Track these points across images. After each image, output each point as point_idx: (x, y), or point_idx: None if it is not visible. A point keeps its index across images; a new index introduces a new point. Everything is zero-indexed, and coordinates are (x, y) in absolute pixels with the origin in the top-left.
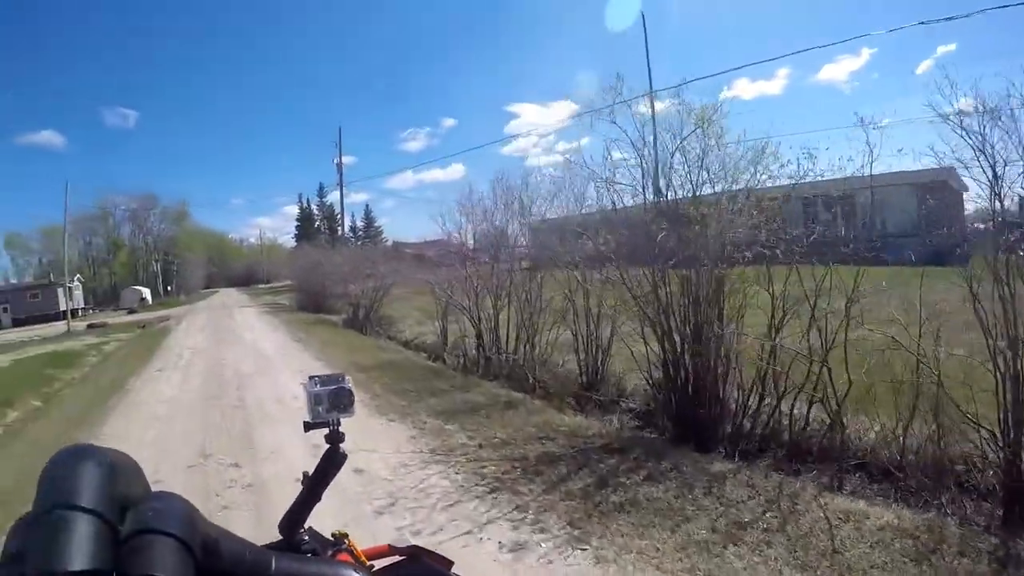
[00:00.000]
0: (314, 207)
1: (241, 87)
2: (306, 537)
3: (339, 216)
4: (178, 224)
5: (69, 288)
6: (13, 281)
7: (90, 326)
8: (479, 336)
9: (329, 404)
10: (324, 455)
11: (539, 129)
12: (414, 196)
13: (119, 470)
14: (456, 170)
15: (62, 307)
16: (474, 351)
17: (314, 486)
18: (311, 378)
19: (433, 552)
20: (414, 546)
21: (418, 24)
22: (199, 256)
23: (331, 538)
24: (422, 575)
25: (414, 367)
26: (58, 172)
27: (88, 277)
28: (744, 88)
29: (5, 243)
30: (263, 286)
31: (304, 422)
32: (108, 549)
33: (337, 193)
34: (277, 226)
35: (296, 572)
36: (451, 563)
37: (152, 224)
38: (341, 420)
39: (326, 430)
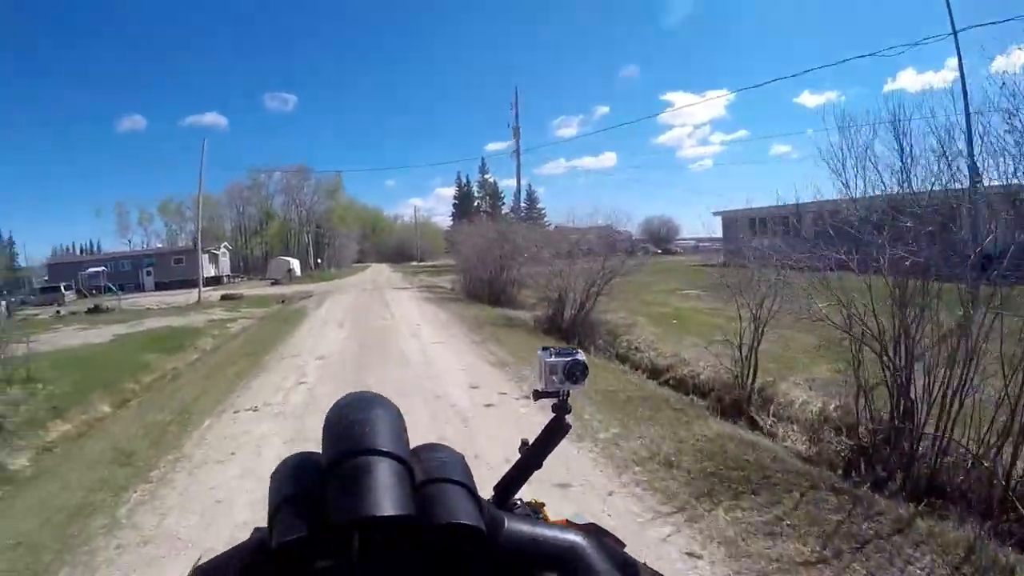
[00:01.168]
0: (474, 185)
1: (396, 73)
2: (518, 502)
3: (501, 195)
4: (331, 197)
5: (215, 254)
6: (158, 245)
7: (224, 297)
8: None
9: (563, 375)
10: (549, 424)
11: (693, 118)
12: (565, 183)
13: (400, 418)
14: (608, 158)
15: (206, 273)
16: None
17: (535, 454)
18: (544, 348)
19: (609, 532)
20: (592, 523)
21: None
22: (352, 230)
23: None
24: (601, 550)
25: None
26: (220, 151)
27: (240, 246)
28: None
29: (160, 209)
30: (416, 263)
31: (534, 390)
32: (410, 495)
33: (499, 172)
34: (430, 207)
35: (526, 532)
36: (624, 544)
37: (305, 196)
38: (570, 392)
39: (555, 400)
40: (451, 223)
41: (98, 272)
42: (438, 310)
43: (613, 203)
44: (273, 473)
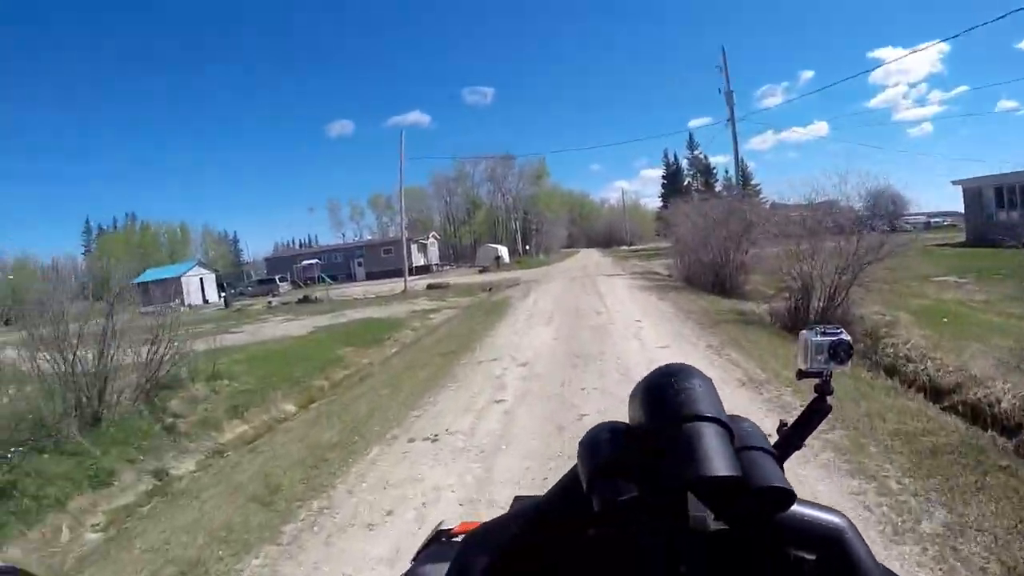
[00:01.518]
0: (683, 162)
1: (591, 56)
2: None
3: (713, 170)
4: (536, 183)
5: (423, 244)
6: (368, 237)
7: (430, 286)
8: None
9: (828, 355)
10: (810, 405)
11: (907, 76)
12: (773, 158)
13: (714, 388)
14: (818, 128)
15: (415, 262)
16: None
17: (794, 436)
18: (810, 328)
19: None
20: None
21: None
22: (558, 215)
23: None
24: (862, 539)
25: None
26: (424, 146)
27: (449, 235)
28: None
29: (370, 203)
30: (626, 248)
31: (798, 370)
32: (735, 458)
33: (707, 148)
34: (636, 190)
35: (798, 510)
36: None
37: (510, 184)
38: (833, 372)
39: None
40: (660, 205)
41: (312, 264)
42: (658, 301)
43: (826, 176)
44: (582, 441)
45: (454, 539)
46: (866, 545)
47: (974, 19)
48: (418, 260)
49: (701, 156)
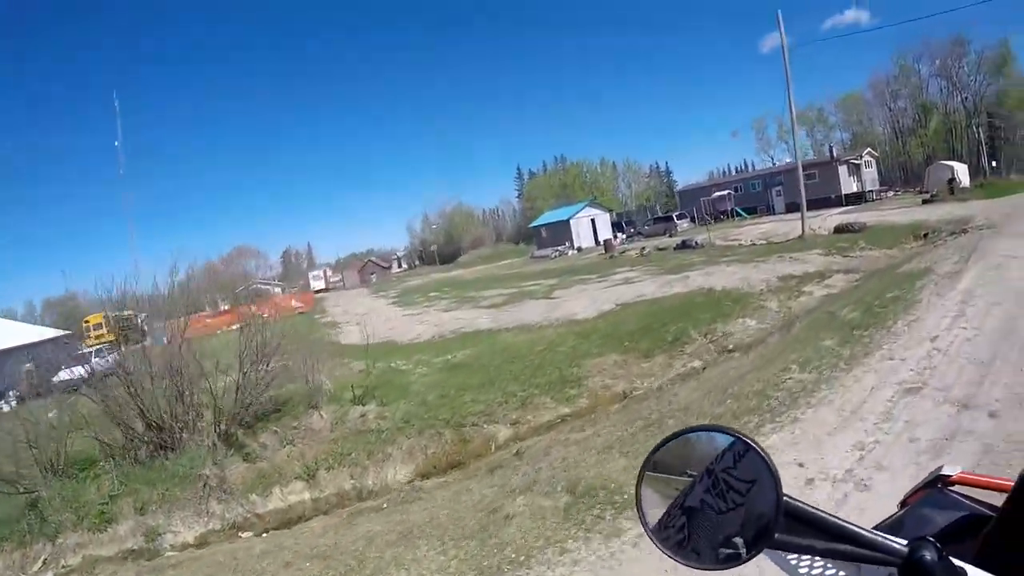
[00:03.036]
0: None
1: None
2: None
3: None
4: (1000, 74)
5: (854, 164)
6: (786, 160)
7: (838, 229)
8: None
9: None
10: None
11: None
12: None
13: None
14: None
15: (843, 189)
16: None
17: None
18: None
19: None
20: None
21: None
22: None
23: None
24: None
25: None
26: (864, 50)
27: (896, 151)
28: None
29: (799, 119)
30: None
31: None
32: None
33: None
34: None
35: None
36: None
37: (967, 78)
38: None
39: None
40: None
41: (723, 196)
42: None
43: None
44: None
45: (951, 488)
46: None
47: None
48: (849, 186)
49: None
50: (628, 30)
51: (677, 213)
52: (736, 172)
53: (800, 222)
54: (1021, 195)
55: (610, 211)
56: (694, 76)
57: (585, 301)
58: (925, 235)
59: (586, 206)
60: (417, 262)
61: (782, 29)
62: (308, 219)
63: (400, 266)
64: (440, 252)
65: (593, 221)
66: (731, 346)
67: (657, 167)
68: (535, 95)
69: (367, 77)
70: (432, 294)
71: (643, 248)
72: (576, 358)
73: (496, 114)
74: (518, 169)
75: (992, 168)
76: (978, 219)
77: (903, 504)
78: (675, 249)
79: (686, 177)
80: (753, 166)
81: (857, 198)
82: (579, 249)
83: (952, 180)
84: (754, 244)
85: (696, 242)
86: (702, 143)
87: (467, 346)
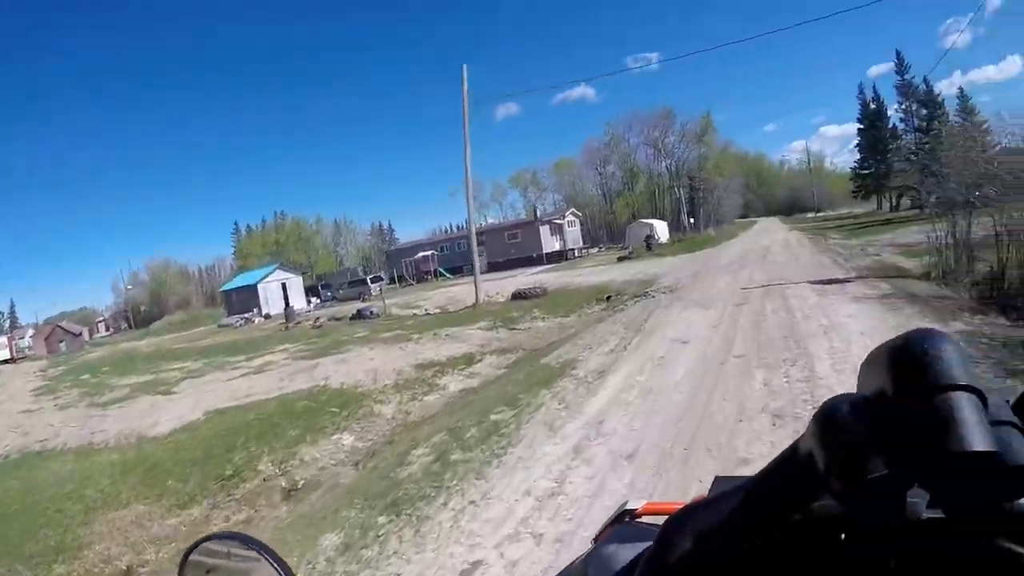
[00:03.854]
0: (890, 105)
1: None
2: None
3: (938, 100)
4: (701, 142)
5: (557, 224)
6: (490, 220)
7: (515, 295)
8: None
9: None
10: None
11: None
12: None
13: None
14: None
15: (544, 249)
16: None
17: None
18: None
19: None
20: None
21: None
22: (730, 179)
23: None
24: None
25: None
26: (589, 123)
27: (605, 210)
28: None
29: (511, 181)
30: (812, 215)
31: None
32: (991, 432)
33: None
34: (815, 151)
35: None
36: None
37: (671, 146)
38: None
39: None
40: (858, 160)
41: (427, 256)
42: None
43: None
44: (816, 416)
45: (638, 520)
46: None
47: None
48: (551, 245)
49: (912, 84)
50: (350, 88)
51: (372, 276)
52: (458, 230)
53: (496, 284)
54: (713, 248)
55: (303, 273)
56: (415, 137)
57: (190, 402)
58: (608, 298)
59: (276, 269)
60: (124, 325)
61: (465, 88)
62: (11, 274)
63: (106, 329)
64: (147, 313)
65: (284, 285)
66: (300, 483)
67: (380, 225)
68: (256, 147)
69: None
70: (67, 380)
71: (317, 319)
72: (94, 510)
73: (212, 165)
74: (235, 225)
75: (691, 224)
76: (665, 279)
77: (595, 539)
78: (351, 319)
79: (410, 235)
80: (452, 229)
81: (559, 256)
82: (267, 316)
83: (650, 237)
84: (428, 313)
85: (372, 311)
86: (425, 202)
87: None
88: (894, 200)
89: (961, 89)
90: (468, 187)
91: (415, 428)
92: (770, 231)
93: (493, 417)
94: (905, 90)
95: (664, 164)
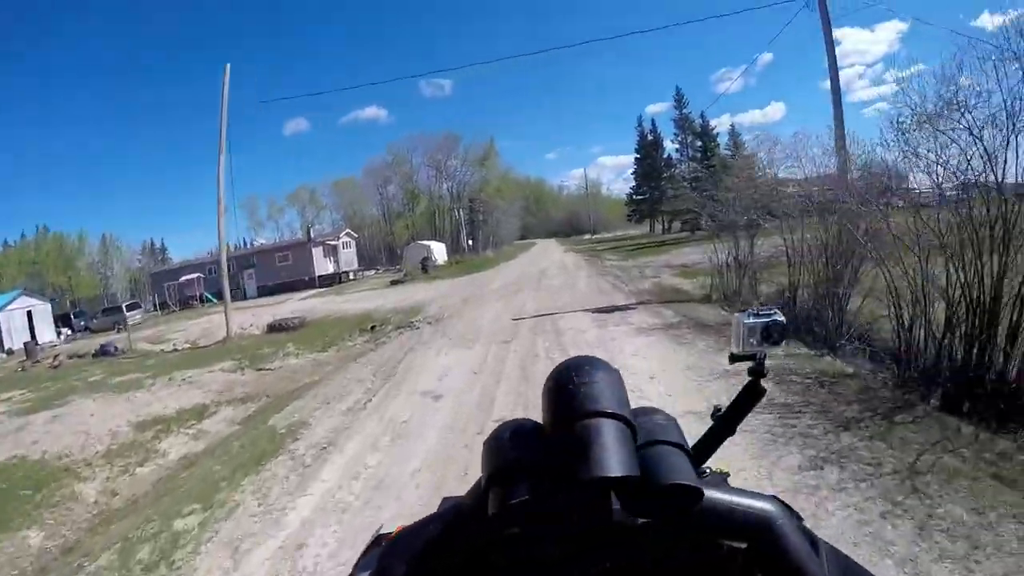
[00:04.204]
0: (666, 138)
1: (544, 39)
2: (707, 470)
3: (712, 133)
4: (483, 166)
5: (331, 245)
6: (261, 242)
7: (272, 328)
8: None
9: (761, 336)
10: (745, 387)
11: (864, 57)
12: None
13: (621, 380)
14: (775, 110)
15: (316, 271)
16: None
17: (730, 420)
18: (743, 310)
19: (787, 504)
20: (773, 496)
21: None
22: (510, 203)
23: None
24: (795, 523)
25: None
26: (379, 141)
27: (385, 231)
28: None
29: (289, 200)
30: (589, 237)
31: (731, 353)
32: (635, 456)
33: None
34: (592, 177)
35: (721, 499)
36: (801, 519)
37: (454, 169)
38: (767, 354)
39: (751, 363)
40: (632, 187)
41: (192, 279)
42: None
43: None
44: (487, 440)
45: None
46: (801, 531)
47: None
48: (324, 267)
49: (689, 118)
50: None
51: (128, 303)
52: (235, 249)
53: (259, 311)
54: (490, 270)
55: (53, 300)
56: (191, 148)
57: None
58: (372, 328)
59: (20, 295)
60: None
61: (226, 92)
62: None
63: None
64: None
65: (30, 314)
66: None
67: (152, 244)
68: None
69: None
70: None
71: (56, 356)
72: None
73: None
74: None
75: (470, 246)
76: (433, 306)
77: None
78: (93, 356)
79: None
80: (246, 244)
81: (333, 279)
82: (9, 352)
83: (427, 259)
84: (176, 349)
85: (115, 348)
86: (200, 218)
87: None
88: (666, 223)
89: (733, 126)
90: (220, 203)
91: (111, 521)
92: (548, 252)
93: (178, 524)
94: (682, 123)
95: (446, 186)
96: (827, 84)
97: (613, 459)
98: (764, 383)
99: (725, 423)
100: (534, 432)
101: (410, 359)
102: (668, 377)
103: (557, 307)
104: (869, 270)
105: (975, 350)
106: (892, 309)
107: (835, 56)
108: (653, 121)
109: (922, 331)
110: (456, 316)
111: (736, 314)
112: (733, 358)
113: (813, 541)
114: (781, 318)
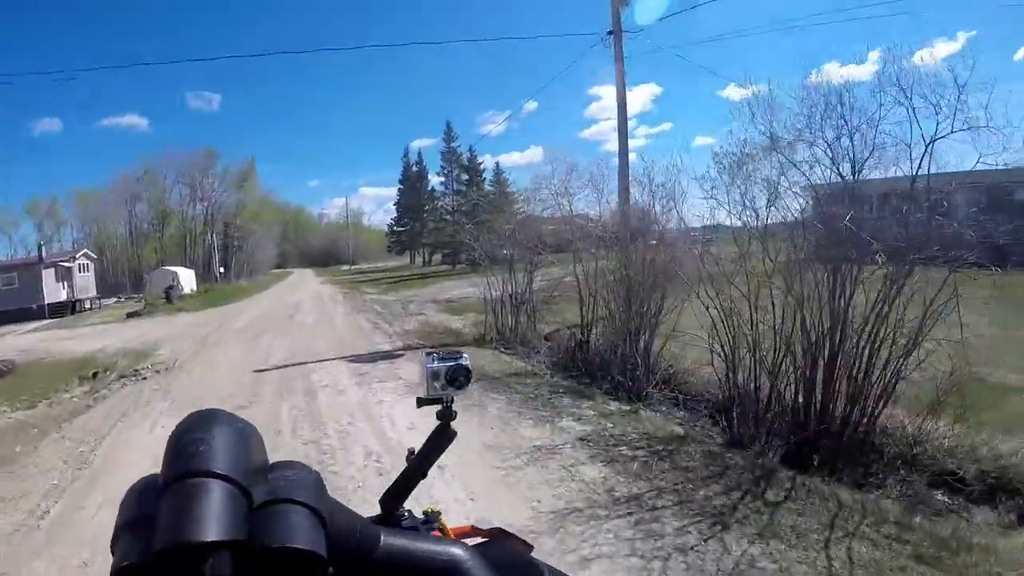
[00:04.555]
0: (432, 171)
1: (320, 74)
2: (406, 513)
3: (479, 168)
4: (242, 188)
5: (65, 268)
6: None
7: None
8: None
9: (445, 380)
10: (434, 431)
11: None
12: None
13: (248, 436)
14: (535, 153)
15: (47, 298)
16: None
17: (421, 463)
18: (428, 354)
19: (515, 535)
20: (498, 528)
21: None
22: (269, 229)
23: (423, 516)
24: (504, 556)
25: None
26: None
27: (132, 254)
28: (833, 72)
29: (25, 209)
30: (347, 268)
31: (417, 398)
32: (243, 518)
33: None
34: (354, 207)
35: (404, 548)
36: (531, 547)
37: (211, 189)
38: (455, 397)
39: (439, 407)
40: (393, 218)
41: None
42: None
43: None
44: (124, 496)
45: None
46: (491, 571)
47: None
48: (57, 293)
49: (457, 151)
50: None
51: None
52: None
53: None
54: (240, 302)
55: None
56: None
57: None
58: (95, 374)
59: None
60: None
61: None
62: None
63: None
64: None
65: None
66: None
67: None
68: None
69: None
70: None
71: None
72: None
73: None
74: None
75: (222, 274)
76: (165, 348)
77: None
78: None
79: None
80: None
81: (65, 308)
82: None
83: (171, 288)
84: None
85: None
86: None
87: None
88: (427, 255)
89: (498, 163)
90: None
91: None
92: (304, 283)
93: None
94: (450, 156)
95: (200, 207)
96: (587, 133)
97: (211, 522)
98: (453, 427)
99: (417, 465)
100: (150, 488)
101: (115, 436)
102: (463, 466)
103: (311, 353)
104: (673, 307)
105: (815, 397)
106: (721, 352)
107: (624, 89)
108: (420, 153)
109: (752, 375)
110: (188, 363)
111: (423, 357)
112: (420, 402)
113: (536, 567)
114: (466, 362)
